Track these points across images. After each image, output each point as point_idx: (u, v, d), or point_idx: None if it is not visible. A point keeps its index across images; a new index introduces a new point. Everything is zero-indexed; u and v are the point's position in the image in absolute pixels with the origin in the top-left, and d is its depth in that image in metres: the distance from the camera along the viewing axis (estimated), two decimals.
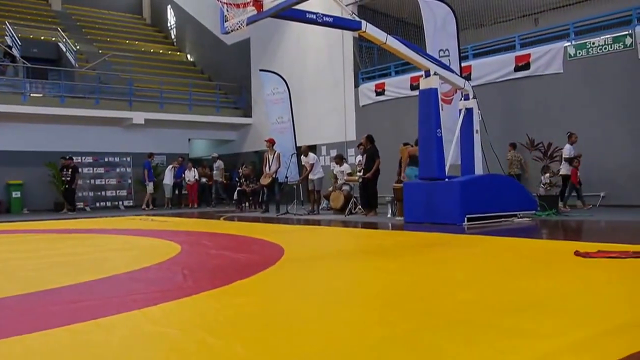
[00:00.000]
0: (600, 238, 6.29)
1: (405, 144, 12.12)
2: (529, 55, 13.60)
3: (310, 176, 13.90)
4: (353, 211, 12.59)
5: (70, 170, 17.47)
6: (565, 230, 7.90)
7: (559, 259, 4.95)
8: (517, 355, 2.30)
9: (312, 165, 13.87)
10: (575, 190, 11.70)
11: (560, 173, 11.63)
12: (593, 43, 12.55)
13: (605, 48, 12.37)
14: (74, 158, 18.36)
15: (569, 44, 12.92)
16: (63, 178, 17.54)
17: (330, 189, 14.06)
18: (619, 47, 12.15)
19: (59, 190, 17.92)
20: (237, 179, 18.07)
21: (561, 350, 2.36)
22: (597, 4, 15.58)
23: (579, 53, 12.76)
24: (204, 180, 20.43)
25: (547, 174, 11.12)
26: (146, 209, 18.64)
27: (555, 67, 13.12)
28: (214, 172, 19.56)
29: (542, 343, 2.45)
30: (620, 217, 9.36)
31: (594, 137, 12.37)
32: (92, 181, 20.08)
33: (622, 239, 6.17)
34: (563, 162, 11.65)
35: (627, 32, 12.01)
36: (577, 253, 4.99)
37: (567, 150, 11.64)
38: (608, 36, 12.34)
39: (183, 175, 19.58)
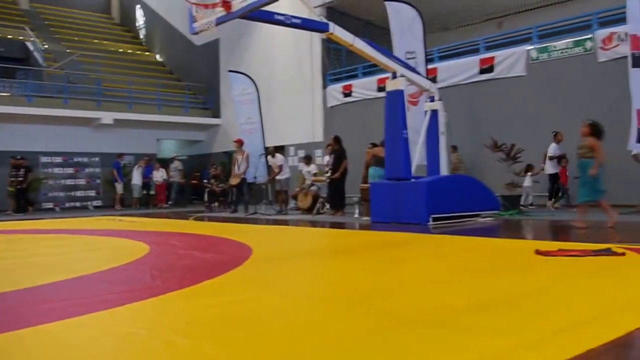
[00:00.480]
0: (561, 237, 6.43)
1: (372, 145, 12.20)
2: (493, 58, 13.82)
3: (278, 176, 13.94)
4: (321, 211, 12.62)
5: (23, 170, 17.02)
6: (527, 230, 8.05)
7: (520, 257, 5.05)
8: (475, 353, 2.34)
9: (280, 167, 13.88)
10: (562, 191, 11.65)
11: (546, 172, 11.55)
12: (555, 47, 12.82)
13: (566, 51, 12.65)
14: (26, 158, 17.71)
15: (532, 47, 13.17)
16: (12, 178, 16.88)
17: (298, 189, 14.08)
18: (579, 50, 12.43)
19: (10, 191, 17.04)
20: (206, 180, 17.93)
21: (518, 347, 2.41)
22: (559, 8, 15.93)
23: (542, 56, 13.02)
24: (175, 180, 20.24)
25: (529, 173, 11.21)
26: (118, 209, 18.38)
27: (518, 69, 13.36)
28: (172, 172, 19.33)
29: (500, 340, 2.50)
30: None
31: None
32: (63, 181, 19.71)
33: (581, 238, 6.32)
34: (547, 160, 11.58)
35: (587, 37, 12.30)
36: (537, 252, 5.09)
37: (552, 149, 11.62)
38: (569, 40, 12.62)
39: (151, 175, 19.38)
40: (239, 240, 7.24)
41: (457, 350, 2.38)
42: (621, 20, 11.24)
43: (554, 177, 11.58)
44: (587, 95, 12.30)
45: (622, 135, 10.75)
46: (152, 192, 19.69)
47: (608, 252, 4.90)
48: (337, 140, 12.46)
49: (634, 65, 9.62)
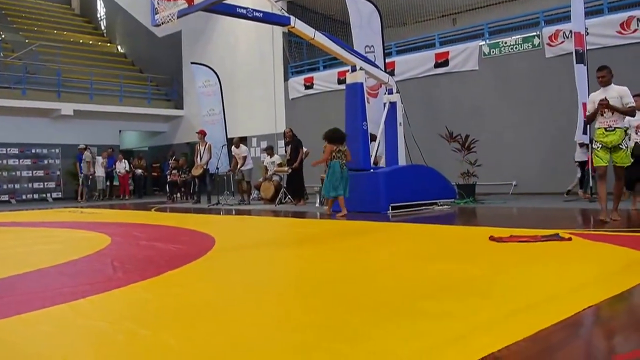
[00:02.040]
0: (513, 224, 6.56)
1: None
2: (447, 52, 13.97)
3: (242, 167, 13.80)
4: (283, 201, 12.59)
5: None
6: (482, 217, 8.20)
7: (474, 243, 5.13)
8: (433, 337, 2.36)
9: (244, 158, 13.76)
10: (584, 178, 10.66)
11: (576, 160, 10.76)
12: (505, 42, 13.03)
13: (516, 47, 12.88)
14: None
15: (484, 43, 13.37)
16: None
17: (261, 179, 14.00)
18: (528, 46, 12.68)
19: None
20: (167, 171, 17.68)
21: (474, 329, 2.44)
22: (510, 6, 16.19)
23: (493, 52, 13.23)
24: (139, 171, 19.89)
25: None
26: (81, 201, 17.95)
27: (471, 64, 13.54)
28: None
29: (457, 324, 2.53)
30: (530, 204, 9.80)
31: (506, 129, 12.87)
32: (19, 173, 19.10)
33: (532, 224, 6.47)
34: (578, 148, 10.65)
35: (535, 33, 12.55)
36: (491, 238, 5.17)
37: (579, 136, 10.28)
38: (519, 36, 12.85)
39: (114, 167, 18.98)
40: (201, 230, 7.17)
41: (413, 334, 2.39)
42: (566, 18, 11.51)
43: (583, 165, 10.60)
44: (535, 89, 12.57)
45: (568, 127, 11.03)
46: (115, 184, 19.32)
47: (556, 238, 5.02)
48: (292, 132, 12.65)
49: (578, 61, 9.86)
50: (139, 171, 19.96)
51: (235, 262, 4.64)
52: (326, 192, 9.46)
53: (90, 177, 18.37)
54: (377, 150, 10.54)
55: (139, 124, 22.54)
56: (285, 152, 12.88)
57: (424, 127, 13.75)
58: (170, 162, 17.91)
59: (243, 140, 17.84)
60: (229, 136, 15.37)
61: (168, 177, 17.36)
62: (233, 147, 13.97)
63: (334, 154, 9.60)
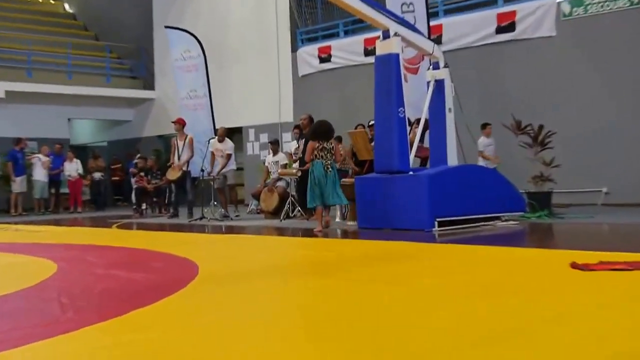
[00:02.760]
0: (603, 245, 6.49)
1: (357, 127, 12.20)
2: (514, 13, 13.92)
3: (223, 169, 13.77)
4: (290, 214, 12.60)
5: None
6: (560, 236, 8.13)
7: (551, 272, 5.09)
8: None
9: (228, 157, 13.79)
10: None
11: None
12: None
13: (608, 5, 12.80)
14: None
15: (564, 0, 13.33)
16: None
17: (260, 185, 14.00)
18: (624, 3, 12.59)
19: None
20: (132, 173, 17.76)
21: None
22: None
23: (576, 11, 13.16)
24: (98, 175, 20.02)
25: None
26: (14, 214, 18.08)
27: (546, 28, 13.46)
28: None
29: None
30: (626, 219, 9.69)
31: (595, 117, 12.78)
32: None
33: (628, 247, 6.40)
34: None
35: None
36: (574, 265, 5.13)
37: None
38: None
39: (61, 168, 19.11)
40: (180, 254, 7.18)
41: None
42: None
43: None
44: (636, 62, 12.45)
45: None
46: (63, 191, 19.44)
47: None
48: (311, 119, 12.41)
49: None
50: (97, 174, 20.08)
51: (224, 298, 4.64)
52: (309, 202, 10.06)
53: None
54: (418, 140, 10.46)
55: (95, 110, 22.73)
56: (298, 148, 12.81)
57: (481, 114, 13.69)
58: (135, 161, 18.01)
59: (234, 132, 17.92)
60: (217, 127, 15.43)
61: (134, 182, 17.47)
62: (214, 140, 13.95)
63: (316, 152, 9.89)
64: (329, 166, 9.86)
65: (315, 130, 10.05)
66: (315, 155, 9.84)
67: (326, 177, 9.82)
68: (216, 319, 3.97)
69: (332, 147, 10.07)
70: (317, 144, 9.83)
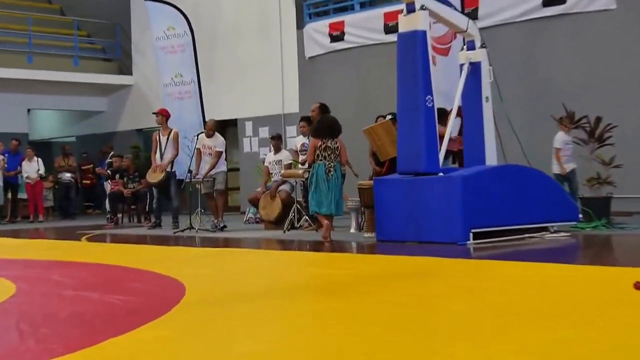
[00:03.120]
0: None
1: (378, 118, 12.17)
2: None
3: (211, 170, 13.67)
4: (296, 224, 12.58)
5: None
6: (621, 251, 8.11)
7: (612, 294, 5.09)
8: None
9: (219, 154, 13.68)
10: None
11: None
12: None
13: None
14: None
15: None
16: None
17: (260, 189, 13.99)
18: None
19: None
20: (104, 176, 17.79)
21: None
22: None
23: None
24: (67, 176, 20.03)
25: None
26: None
27: (603, 1, 13.41)
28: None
29: None
30: None
31: None
32: None
33: None
34: None
35: None
36: (638, 285, 5.12)
37: None
38: None
39: (19, 169, 19.15)
40: (163, 272, 7.19)
41: None
42: None
43: None
44: None
45: None
46: (21, 196, 19.47)
47: None
48: (323, 110, 12.37)
49: None
50: (67, 175, 20.09)
51: (215, 325, 4.64)
52: (310, 207, 10.41)
53: None
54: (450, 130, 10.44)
55: (60, 100, 22.76)
56: (303, 144, 12.80)
57: (525, 104, 13.66)
58: (109, 160, 18.03)
59: (227, 125, 17.94)
60: (207, 119, 15.44)
61: (108, 186, 17.52)
62: (202, 134, 13.86)
63: (318, 152, 10.09)
64: (332, 169, 10.01)
65: (317, 127, 10.11)
66: (318, 156, 9.93)
67: (327, 181, 9.98)
68: (205, 350, 3.98)
69: (338, 146, 10.22)
70: (320, 143, 9.90)
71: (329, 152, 10.06)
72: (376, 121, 12.16)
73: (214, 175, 13.62)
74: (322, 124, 10.30)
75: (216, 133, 13.89)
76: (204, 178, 13.58)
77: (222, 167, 13.89)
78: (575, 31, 13.78)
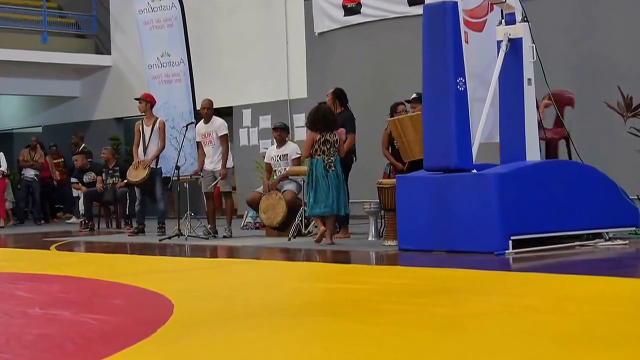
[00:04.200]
0: None
1: (397, 106, 12.15)
2: None
3: (208, 166, 13.59)
4: (303, 230, 12.58)
5: None
6: None
7: None
8: None
9: (226, 138, 13.57)
10: None
11: None
12: None
13: None
14: None
15: None
16: None
17: (260, 189, 13.98)
18: None
19: None
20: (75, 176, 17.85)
21: None
22: None
23: None
24: (31, 173, 20.08)
25: None
26: None
27: None
28: None
29: None
30: None
31: None
32: None
33: None
34: None
35: None
36: None
37: None
38: None
39: None
40: (146, 287, 7.20)
41: None
42: None
43: None
44: None
45: None
46: None
47: None
48: (337, 95, 12.35)
49: None
50: (31, 173, 20.14)
51: (206, 349, 4.64)
52: (309, 209, 10.89)
53: None
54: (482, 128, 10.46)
55: (25, 83, 22.83)
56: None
57: (573, 87, 13.60)
58: (76, 156, 18.08)
59: (220, 114, 17.92)
60: (199, 107, 15.43)
61: (76, 185, 17.56)
62: (200, 122, 13.80)
63: (317, 146, 10.44)
64: (332, 164, 10.30)
65: (314, 118, 10.42)
66: (316, 151, 10.20)
67: (326, 178, 10.30)
68: None
69: (337, 139, 10.56)
70: (319, 136, 10.07)
71: (328, 146, 10.28)
72: (395, 108, 12.13)
73: (217, 174, 13.51)
74: (318, 115, 10.50)
75: (214, 117, 13.75)
76: (204, 174, 13.48)
77: (228, 162, 13.67)
78: (635, 1, 13.72)
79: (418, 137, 10.97)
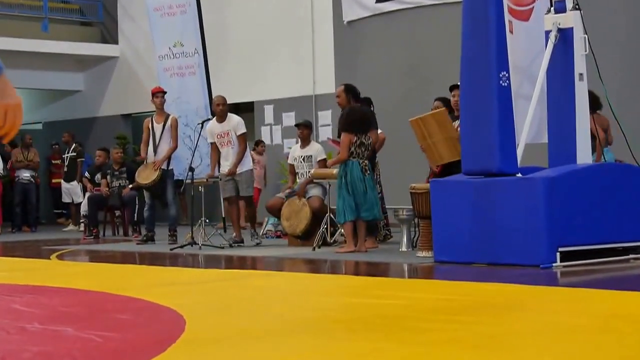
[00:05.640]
0: None
1: (439, 102, 12.16)
2: None
3: (227, 169, 13.63)
4: (329, 240, 12.59)
5: None
6: None
7: None
8: None
9: (244, 138, 13.57)
10: None
11: None
12: None
13: None
14: None
15: None
16: None
17: (282, 194, 13.99)
18: None
19: None
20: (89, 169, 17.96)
21: None
22: None
23: None
24: (26, 175, 20.17)
25: None
26: None
27: None
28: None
29: None
30: None
31: None
32: None
33: None
34: None
35: None
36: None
37: None
38: None
39: None
40: (156, 302, 7.23)
41: None
42: None
43: None
44: None
45: None
46: None
47: None
48: (350, 91, 12.41)
49: None
50: (26, 175, 20.24)
51: None
52: (339, 215, 11.14)
53: None
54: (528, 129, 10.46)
55: (24, 75, 22.84)
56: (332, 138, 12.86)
57: (632, 83, 13.59)
58: (68, 154, 18.20)
59: (240, 110, 17.96)
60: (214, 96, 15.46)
61: (83, 184, 17.65)
62: (213, 120, 13.80)
63: (353, 149, 10.74)
64: (367, 167, 10.57)
65: (351, 120, 10.54)
66: (352, 153, 10.45)
67: (364, 181, 10.57)
68: None
69: (371, 142, 10.91)
70: (355, 138, 10.37)
71: (363, 149, 10.47)
72: (434, 108, 12.15)
73: (242, 176, 13.53)
74: (355, 116, 10.71)
75: (230, 115, 13.80)
76: (222, 177, 13.51)
77: (247, 164, 13.74)
78: None
79: (443, 136, 10.98)
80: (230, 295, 8.18)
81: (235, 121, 13.72)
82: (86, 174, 18.03)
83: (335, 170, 12.71)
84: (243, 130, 13.65)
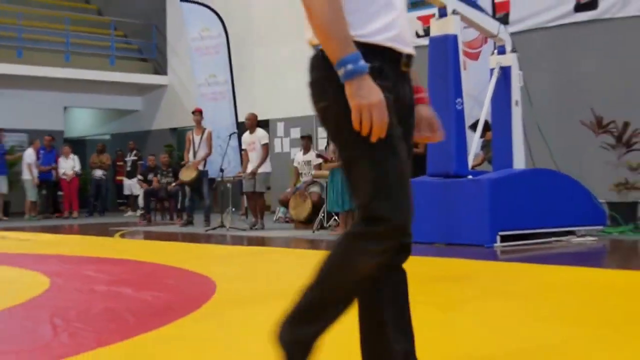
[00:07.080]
0: None
1: None
2: None
3: (257, 170, 13.61)
4: (325, 224, 12.59)
5: None
6: None
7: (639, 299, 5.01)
8: None
9: (267, 147, 13.55)
10: None
11: None
12: None
13: None
14: None
15: None
16: None
17: (289, 190, 13.99)
18: None
19: None
20: (141, 174, 17.94)
21: None
22: None
23: None
24: (99, 173, 20.20)
25: None
26: (4, 218, 18.33)
27: (635, 7, 13.27)
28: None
29: None
30: None
31: None
32: None
33: None
34: None
35: None
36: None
37: None
38: None
39: (55, 165, 19.29)
40: (194, 270, 7.21)
41: None
42: None
43: None
44: None
45: None
46: (58, 192, 19.66)
47: None
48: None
49: None
50: (99, 173, 20.26)
51: (245, 322, 4.62)
52: (331, 205, 10.95)
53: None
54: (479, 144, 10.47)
55: (96, 98, 22.93)
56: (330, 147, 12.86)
57: (554, 109, 13.55)
58: (130, 158, 18.20)
59: (259, 125, 17.95)
60: (240, 120, 15.44)
61: (138, 182, 17.64)
62: (246, 133, 13.80)
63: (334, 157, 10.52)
64: None
65: None
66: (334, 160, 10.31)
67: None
68: (233, 347, 3.95)
69: None
70: None
71: None
72: None
73: (257, 178, 13.43)
74: None
75: (257, 129, 13.79)
76: (245, 176, 13.53)
77: (266, 167, 13.69)
78: (606, 37, 13.64)
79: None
80: (251, 266, 8.17)
81: (261, 133, 13.78)
82: (139, 176, 18.04)
83: (327, 171, 12.79)
84: (266, 141, 13.70)
